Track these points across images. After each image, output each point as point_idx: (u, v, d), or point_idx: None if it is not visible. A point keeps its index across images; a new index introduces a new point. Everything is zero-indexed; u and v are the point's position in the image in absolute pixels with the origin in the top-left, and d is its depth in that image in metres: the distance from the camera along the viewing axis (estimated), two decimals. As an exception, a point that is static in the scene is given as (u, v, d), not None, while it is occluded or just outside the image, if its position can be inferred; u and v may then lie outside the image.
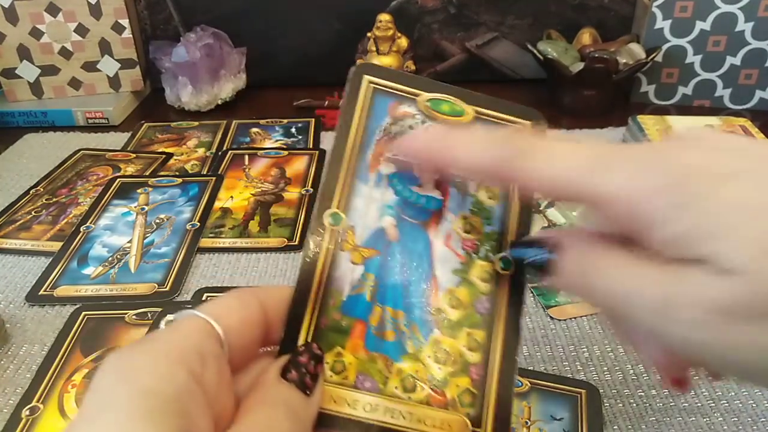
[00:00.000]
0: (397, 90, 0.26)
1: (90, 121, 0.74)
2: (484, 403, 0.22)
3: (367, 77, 0.26)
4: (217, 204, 0.56)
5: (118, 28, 0.75)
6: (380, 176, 0.25)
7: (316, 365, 0.21)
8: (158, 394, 0.17)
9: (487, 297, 0.24)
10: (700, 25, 0.71)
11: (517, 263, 0.24)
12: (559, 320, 0.43)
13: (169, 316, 0.43)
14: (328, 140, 0.68)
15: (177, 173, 0.62)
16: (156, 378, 0.18)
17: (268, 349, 0.23)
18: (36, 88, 0.76)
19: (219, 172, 0.61)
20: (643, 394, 0.38)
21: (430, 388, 0.22)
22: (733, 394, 0.37)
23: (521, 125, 0.26)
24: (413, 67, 0.74)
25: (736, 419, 0.36)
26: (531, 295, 0.45)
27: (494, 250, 0.24)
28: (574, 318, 0.43)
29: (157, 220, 0.53)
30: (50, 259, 0.49)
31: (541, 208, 0.55)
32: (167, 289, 0.46)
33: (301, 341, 0.22)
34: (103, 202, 0.56)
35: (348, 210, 0.24)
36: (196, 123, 0.73)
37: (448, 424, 0.22)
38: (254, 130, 0.71)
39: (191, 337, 0.19)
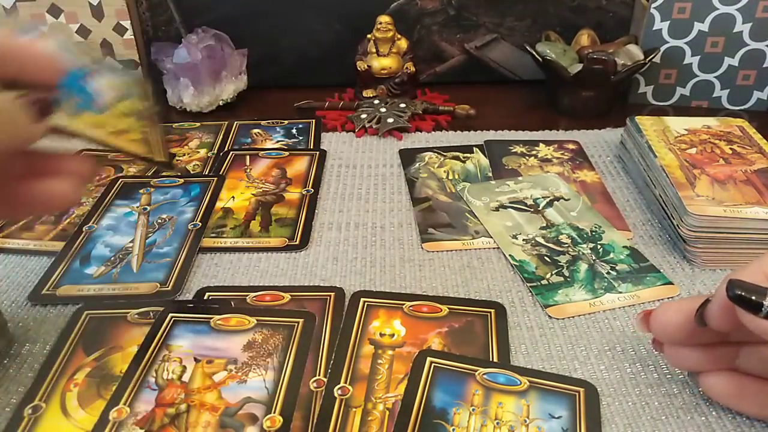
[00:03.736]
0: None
1: (91, 122, 0.74)
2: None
3: None
4: (219, 204, 0.56)
5: (119, 30, 0.76)
6: None
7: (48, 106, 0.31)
8: None
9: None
10: (698, 26, 0.71)
11: (736, 298, 0.30)
12: (558, 319, 0.43)
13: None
14: (328, 141, 0.69)
15: (179, 174, 0.62)
16: None
17: None
18: (38, 89, 0.76)
19: (220, 173, 0.61)
20: (640, 392, 0.38)
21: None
22: (729, 392, 0.38)
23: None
24: (413, 69, 0.75)
25: (732, 417, 0.36)
26: (529, 294, 0.46)
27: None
28: (572, 317, 0.44)
29: (159, 220, 0.54)
30: (53, 259, 0.49)
31: (540, 208, 0.55)
32: (169, 288, 0.46)
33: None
34: (105, 202, 0.56)
35: None
36: (198, 124, 0.73)
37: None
38: (255, 130, 0.71)
39: None
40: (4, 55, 0.29)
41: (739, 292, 0.30)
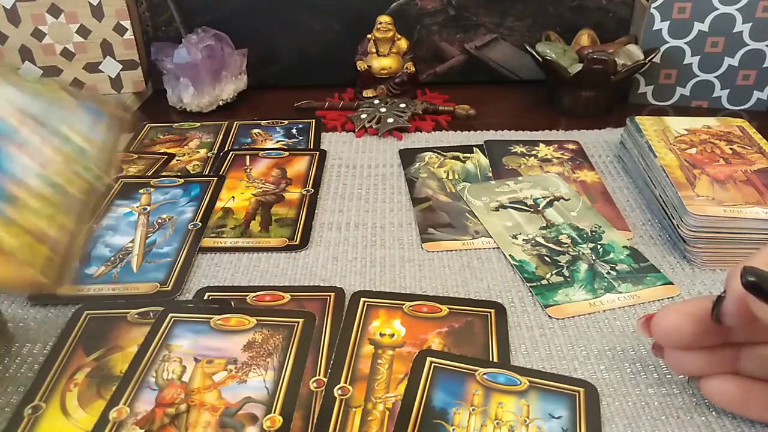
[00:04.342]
0: None
1: (91, 122, 0.74)
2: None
3: None
4: (219, 204, 0.56)
5: (119, 30, 0.76)
6: None
7: None
8: None
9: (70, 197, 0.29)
10: (698, 26, 0.71)
11: (752, 285, 0.29)
12: (558, 319, 0.43)
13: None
14: (328, 141, 0.69)
15: (179, 174, 0.62)
16: None
17: None
18: (38, 89, 0.77)
19: (220, 173, 0.61)
20: (640, 392, 0.38)
21: None
22: (729, 392, 0.38)
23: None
24: (413, 69, 0.75)
25: (732, 418, 0.36)
26: (529, 294, 0.46)
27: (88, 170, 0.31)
28: (572, 317, 0.44)
29: (159, 220, 0.54)
30: (53, 259, 0.49)
31: (540, 208, 0.55)
32: (169, 288, 0.46)
33: None
34: (105, 202, 0.56)
35: None
36: (198, 124, 0.73)
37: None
38: (255, 130, 0.71)
39: None
40: None
41: (755, 280, 0.29)
